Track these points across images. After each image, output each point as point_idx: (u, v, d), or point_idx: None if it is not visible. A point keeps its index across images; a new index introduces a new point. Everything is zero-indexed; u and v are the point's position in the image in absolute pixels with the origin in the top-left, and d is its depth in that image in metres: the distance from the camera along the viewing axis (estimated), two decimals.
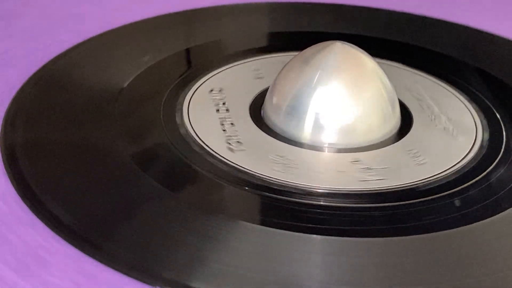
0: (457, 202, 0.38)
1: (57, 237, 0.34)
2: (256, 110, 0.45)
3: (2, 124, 0.42)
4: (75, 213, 0.36)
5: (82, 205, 0.36)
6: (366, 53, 0.45)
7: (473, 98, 0.48)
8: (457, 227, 0.36)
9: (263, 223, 0.36)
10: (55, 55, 0.50)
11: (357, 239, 0.35)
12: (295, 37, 0.56)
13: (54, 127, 0.42)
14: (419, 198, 0.38)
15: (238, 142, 0.42)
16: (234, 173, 0.39)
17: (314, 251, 0.35)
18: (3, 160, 0.39)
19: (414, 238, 0.35)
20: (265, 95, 0.46)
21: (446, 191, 0.39)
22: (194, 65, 0.52)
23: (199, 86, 0.47)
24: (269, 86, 0.46)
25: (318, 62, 0.43)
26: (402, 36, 0.57)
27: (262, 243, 0.35)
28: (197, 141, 0.42)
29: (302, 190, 0.38)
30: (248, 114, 0.45)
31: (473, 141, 0.44)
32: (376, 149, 0.43)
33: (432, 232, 0.36)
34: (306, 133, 0.43)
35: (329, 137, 0.42)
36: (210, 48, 0.53)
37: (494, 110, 0.47)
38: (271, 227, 0.35)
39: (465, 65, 0.53)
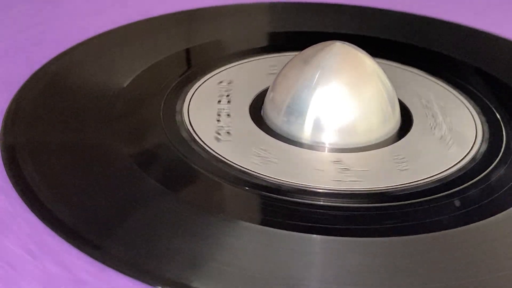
0: (457, 203, 0.38)
1: (57, 237, 0.34)
2: (257, 110, 0.45)
3: (2, 124, 0.42)
4: (75, 213, 0.36)
5: (82, 205, 0.36)
6: (365, 53, 0.45)
7: (473, 98, 0.48)
8: (457, 227, 0.36)
9: (263, 223, 0.36)
10: (55, 55, 0.50)
11: (356, 239, 0.35)
12: (295, 37, 0.56)
13: (54, 127, 0.42)
14: (419, 198, 0.38)
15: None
16: (234, 173, 0.39)
17: (314, 251, 0.35)
18: (3, 160, 0.39)
19: (414, 238, 0.35)
20: (265, 95, 0.46)
21: (446, 191, 0.39)
22: (194, 65, 0.52)
23: (199, 86, 0.47)
24: (269, 86, 0.46)
25: (318, 62, 0.43)
26: (402, 36, 0.57)
27: (262, 243, 0.35)
28: (197, 141, 0.42)
29: (302, 190, 0.38)
30: (248, 115, 0.45)
31: (473, 141, 0.44)
32: (377, 148, 0.43)
33: (432, 232, 0.36)
34: (306, 133, 0.43)
35: (329, 137, 0.42)
36: (210, 48, 0.53)
37: (494, 110, 0.47)
38: (271, 227, 0.35)
39: (465, 65, 0.53)
